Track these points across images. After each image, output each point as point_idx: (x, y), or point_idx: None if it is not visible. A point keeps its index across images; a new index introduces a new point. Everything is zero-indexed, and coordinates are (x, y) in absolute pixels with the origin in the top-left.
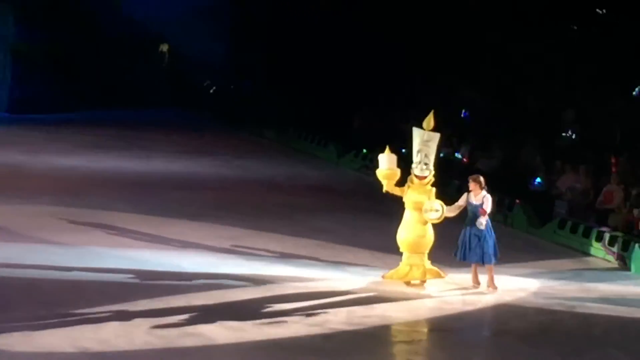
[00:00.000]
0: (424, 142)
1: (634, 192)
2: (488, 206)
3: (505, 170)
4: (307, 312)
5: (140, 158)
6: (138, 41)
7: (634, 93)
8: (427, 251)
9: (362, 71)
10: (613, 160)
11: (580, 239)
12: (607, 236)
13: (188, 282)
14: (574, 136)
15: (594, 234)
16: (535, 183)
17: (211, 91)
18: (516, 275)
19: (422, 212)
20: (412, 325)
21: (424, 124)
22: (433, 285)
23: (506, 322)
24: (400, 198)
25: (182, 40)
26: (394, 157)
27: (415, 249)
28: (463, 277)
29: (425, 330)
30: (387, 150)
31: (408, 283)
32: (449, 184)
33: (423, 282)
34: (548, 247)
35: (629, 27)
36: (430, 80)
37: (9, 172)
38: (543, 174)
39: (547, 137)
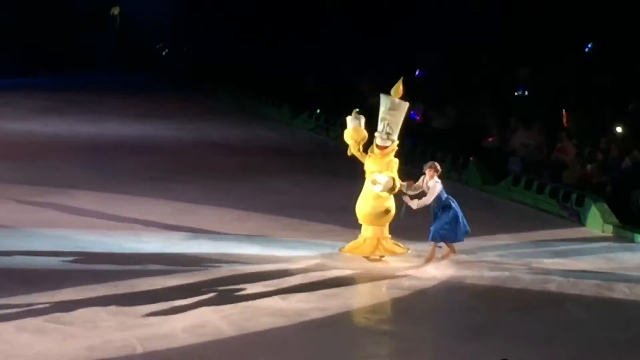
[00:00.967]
0: (389, 110)
1: (587, 148)
2: (430, 196)
3: (459, 129)
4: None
5: (94, 122)
6: (89, 5)
7: (586, 50)
8: (386, 224)
9: (314, 30)
10: (564, 114)
11: (534, 196)
12: (561, 192)
13: (145, 247)
14: (527, 93)
15: (547, 190)
16: (489, 140)
17: (163, 53)
18: (472, 232)
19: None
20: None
21: (392, 91)
22: (395, 261)
23: (462, 279)
24: (362, 163)
25: (133, 2)
26: (360, 118)
27: (373, 221)
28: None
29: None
30: (354, 112)
31: (367, 257)
32: (402, 144)
33: (382, 256)
34: (502, 204)
35: None
36: (384, 39)
37: None
38: (496, 131)
39: (500, 95)
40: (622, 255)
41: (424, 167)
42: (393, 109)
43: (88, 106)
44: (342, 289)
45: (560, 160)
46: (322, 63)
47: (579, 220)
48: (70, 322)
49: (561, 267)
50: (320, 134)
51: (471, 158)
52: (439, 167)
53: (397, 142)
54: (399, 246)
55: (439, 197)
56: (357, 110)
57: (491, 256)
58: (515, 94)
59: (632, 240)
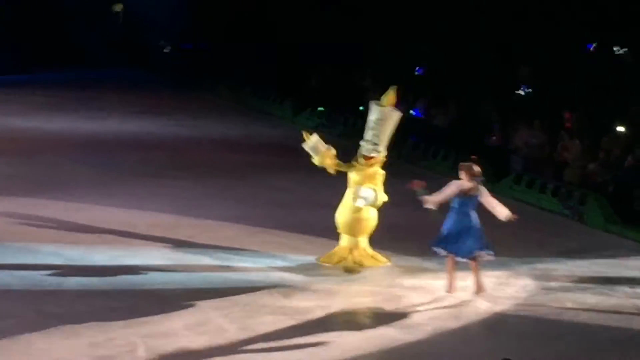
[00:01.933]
0: (378, 120)
1: (589, 147)
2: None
3: (461, 127)
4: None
5: (95, 118)
6: (93, 1)
7: (591, 49)
8: (366, 235)
9: (318, 27)
10: (567, 116)
11: (536, 194)
12: (563, 191)
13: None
14: (529, 91)
15: (550, 189)
16: (491, 138)
17: (165, 50)
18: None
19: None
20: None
21: (382, 100)
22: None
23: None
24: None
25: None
26: (313, 137)
27: (351, 231)
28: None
29: None
30: (306, 137)
31: (346, 268)
32: (405, 142)
33: (360, 266)
34: (504, 202)
35: None
36: (386, 37)
37: None
38: (499, 129)
39: (502, 92)
40: (624, 254)
41: (461, 168)
42: (382, 119)
43: (89, 103)
44: (344, 286)
45: (562, 158)
46: (325, 59)
47: (581, 219)
48: (72, 320)
49: (563, 266)
50: (323, 131)
51: (472, 156)
52: (475, 168)
53: (384, 153)
54: (375, 258)
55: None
56: (306, 131)
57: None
58: (517, 92)
59: (635, 239)
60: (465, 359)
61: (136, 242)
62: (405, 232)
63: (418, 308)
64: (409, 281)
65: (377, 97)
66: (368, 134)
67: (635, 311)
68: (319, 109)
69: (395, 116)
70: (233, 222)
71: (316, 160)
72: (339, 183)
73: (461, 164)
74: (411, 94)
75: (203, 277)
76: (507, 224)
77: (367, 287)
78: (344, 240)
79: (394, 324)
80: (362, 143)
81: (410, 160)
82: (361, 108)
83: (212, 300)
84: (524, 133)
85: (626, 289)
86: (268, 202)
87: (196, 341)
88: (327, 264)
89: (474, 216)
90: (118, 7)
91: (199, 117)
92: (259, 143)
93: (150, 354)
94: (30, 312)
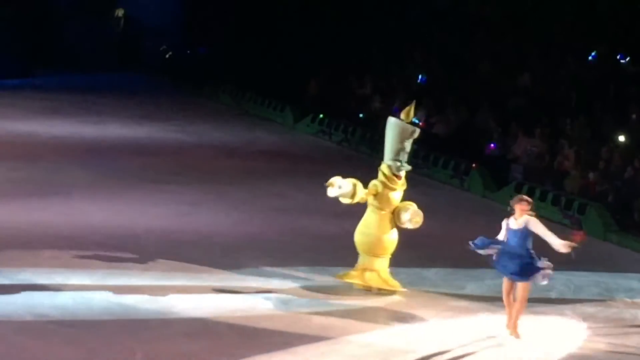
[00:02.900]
0: (407, 140)
1: (590, 156)
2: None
3: (461, 135)
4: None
5: (96, 123)
6: (94, 7)
7: (589, 58)
8: (386, 256)
9: (318, 35)
10: (568, 125)
11: (536, 203)
12: (563, 200)
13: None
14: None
15: (550, 198)
16: (491, 147)
17: (167, 56)
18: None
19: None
20: None
21: (403, 116)
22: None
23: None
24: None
25: (137, 5)
26: (336, 183)
27: (370, 251)
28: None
29: None
30: (330, 185)
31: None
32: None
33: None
34: (504, 211)
35: None
36: (385, 45)
37: None
38: (498, 137)
39: (502, 101)
40: (623, 263)
41: (511, 203)
42: (409, 138)
43: (89, 107)
44: (341, 289)
45: (562, 167)
46: (325, 67)
47: (581, 228)
48: (71, 325)
49: (562, 275)
50: (322, 139)
51: (473, 165)
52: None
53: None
54: (387, 283)
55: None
56: (328, 183)
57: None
58: (517, 99)
59: (634, 249)
60: None
61: (135, 247)
62: (405, 240)
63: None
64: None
65: (379, 105)
66: (404, 155)
67: (634, 320)
68: (319, 116)
69: (415, 132)
70: (232, 228)
71: (350, 200)
72: None
73: (516, 201)
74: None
75: (202, 283)
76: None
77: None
78: (362, 259)
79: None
80: (392, 163)
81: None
82: (361, 115)
83: (211, 307)
84: (524, 142)
85: (625, 298)
86: (267, 208)
87: (194, 347)
88: (347, 281)
89: (525, 246)
90: (119, 12)
91: (199, 122)
92: (258, 149)
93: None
94: (28, 316)
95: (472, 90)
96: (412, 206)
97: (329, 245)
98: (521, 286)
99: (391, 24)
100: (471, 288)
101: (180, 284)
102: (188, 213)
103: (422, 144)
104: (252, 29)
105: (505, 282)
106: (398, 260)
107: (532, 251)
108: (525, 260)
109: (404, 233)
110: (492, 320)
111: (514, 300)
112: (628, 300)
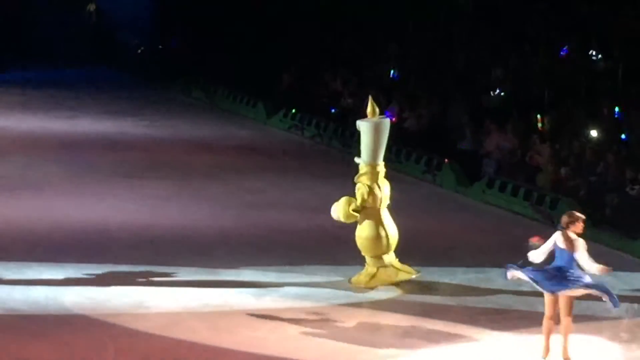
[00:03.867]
0: (385, 131)
1: (562, 151)
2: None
3: (433, 130)
4: (239, 295)
5: (68, 118)
6: (66, 1)
7: (562, 53)
8: (390, 251)
9: (290, 28)
10: (539, 119)
11: (508, 198)
12: (535, 195)
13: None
14: (502, 94)
15: (522, 193)
16: (464, 142)
17: (139, 51)
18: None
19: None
20: None
21: (369, 112)
22: None
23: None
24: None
25: None
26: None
27: (375, 252)
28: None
29: None
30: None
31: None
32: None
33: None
34: (476, 206)
35: None
36: (358, 38)
37: None
38: (471, 132)
39: (474, 96)
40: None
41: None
42: (385, 131)
43: (61, 102)
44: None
45: (534, 163)
46: (297, 61)
47: (553, 223)
48: (42, 320)
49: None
50: (295, 134)
51: (445, 160)
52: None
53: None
54: (404, 271)
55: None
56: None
57: (465, 259)
58: (489, 94)
59: (606, 244)
60: None
61: (108, 241)
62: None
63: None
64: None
65: (350, 100)
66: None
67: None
68: (292, 111)
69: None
70: (206, 222)
71: (344, 217)
72: (309, 185)
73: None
74: (383, 97)
75: (175, 277)
76: (479, 226)
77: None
78: (370, 262)
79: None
80: (376, 159)
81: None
82: (333, 110)
83: (184, 301)
84: (496, 136)
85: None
86: (241, 203)
87: (168, 342)
88: (360, 286)
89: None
90: (91, 6)
91: (171, 117)
92: (231, 145)
93: (120, 355)
94: None
95: (445, 85)
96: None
97: (302, 240)
98: (566, 300)
99: (364, 16)
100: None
101: (152, 278)
102: (161, 207)
103: (394, 139)
104: (223, 22)
105: (548, 302)
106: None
107: (579, 269)
108: (572, 274)
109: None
110: None
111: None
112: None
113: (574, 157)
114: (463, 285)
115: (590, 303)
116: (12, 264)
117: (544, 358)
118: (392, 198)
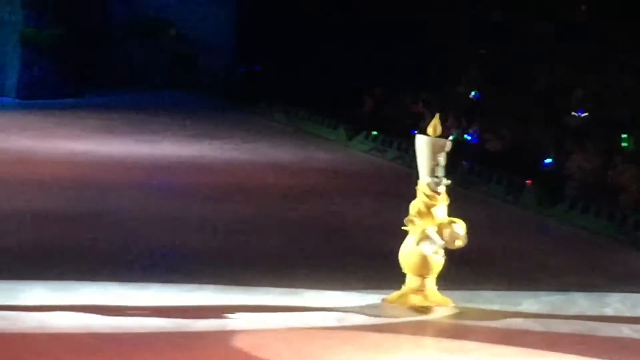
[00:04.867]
0: (441, 152)
1: None
2: None
3: (515, 151)
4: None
5: (149, 142)
6: (146, 25)
7: None
8: (434, 274)
9: (372, 50)
10: (623, 140)
11: (591, 219)
12: (618, 216)
13: (203, 267)
14: (583, 115)
15: (605, 214)
16: (545, 163)
17: (221, 74)
18: (528, 254)
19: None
20: None
21: (430, 131)
22: None
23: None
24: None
25: (190, 23)
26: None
27: (418, 271)
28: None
29: None
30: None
31: (414, 309)
32: (458, 167)
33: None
34: (559, 228)
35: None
36: (438, 60)
37: (19, 158)
38: (553, 153)
39: (556, 117)
40: None
41: None
42: (441, 151)
43: (142, 126)
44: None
45: (617, 183)
46: (379, 84)
47: (637, 244)
48: (121, 341)
49: (617, 293)
50: (377, 156)
51: (527, 181)
52: None
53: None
54: (436, 300)
55: None
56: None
57: (548, 281)
58: (571, 115)
59: None
60: None
61: (192, 263)
62: (457, 257)
63: None
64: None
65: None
66: (439, 171)
67: None
68: (373, 133)
69: (446, 144)
70: (287, 245)
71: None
72: (391, 207)
73: None
74: (464, 119)
75: (255, 301)
76: (561, 247)
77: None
78: (411, 280)
79: None
80: (431, 181)
81: (464, 185)
82: (413, 132)
83: (266, 323)
84: (578, 157)
85: None
86: (322, 226)
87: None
88: (394, 304)
89: None
90: (172, 31)
91: (253, 140)
92: (312, 167)
93: None
94: (83, 332)
95: (526, 106)
96: (456, 224)
97: (382, 263)
98: None
99: (446, 39)
100: (527, 305)
101: (233, 302)
102: (241, 231)
103: (476, 160)
104: (306, 47)
105: None
106: (450, 278)
107: None
108: None
109: (456, 250)
110: None
111: None
112: None
113: None
114: (546, 308)
115: None
116: (99, 284)
117: None
118: (474, 219)
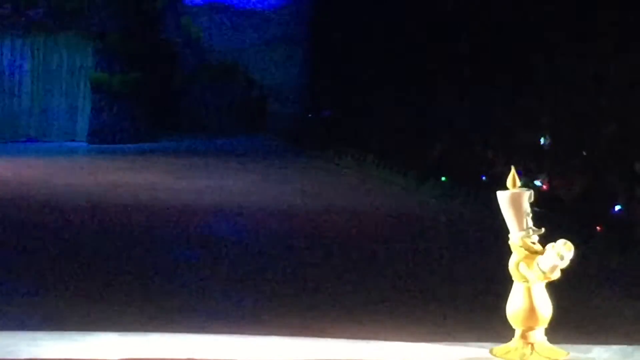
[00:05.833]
0: (524, 202)
1: None
2: None
3: (586, 197)
4: None
5: (217, 188)
6: (215, 70)
7: None
8: (542, 325)
9: (441, 96)
10: None
11: None
12: None
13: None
14: None
15: None
16: (616, 210)
17: (290, 117)
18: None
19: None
20: None
21: (510, 185)
22: None
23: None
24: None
25: (258, 68)
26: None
27: (526, 324)
28: None
29: None
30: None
31: None
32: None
33: None
34: (630, 274)
35: None
36: (509, 104)
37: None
38: (624, 200)
39: (627, 162)
40: None
41: None
42: (524, 202)
43: (210, 170)
44: None
45: None
46: (448, 129)
47: None
48: None
49: None
50: (446, 202)
51: (598, 228)
52: None
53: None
54: (556, 351)
55: None
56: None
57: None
58: None
59: None
60: None
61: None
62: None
63: None
64: None
65: (501, 168)
66: (529, 221)
67: None
68: (442, 179)
69: (528, 194)
70: (358, 295)
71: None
72: (466, 256)
73: None
74: (534, 165)
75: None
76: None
77: None
78: (520, 333)
79: None
80: (524, 234)
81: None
82: (483, 178)
83: None
84: None
85: None
86: (392, 272)
87: None
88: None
89: None
90: (240, 76)
91: (322, 185)
92: (382, 213)
93: None
94: None
95: (597, 152)
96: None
97: (454, 311)
98: None
99: (516, 84)
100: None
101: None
102: (320, 283)
103: (544, 207)
104: (376, 93)
105: None
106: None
107: None
108: None
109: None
110: None
111: None
112: None
113: None
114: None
115: None
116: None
117: None
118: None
